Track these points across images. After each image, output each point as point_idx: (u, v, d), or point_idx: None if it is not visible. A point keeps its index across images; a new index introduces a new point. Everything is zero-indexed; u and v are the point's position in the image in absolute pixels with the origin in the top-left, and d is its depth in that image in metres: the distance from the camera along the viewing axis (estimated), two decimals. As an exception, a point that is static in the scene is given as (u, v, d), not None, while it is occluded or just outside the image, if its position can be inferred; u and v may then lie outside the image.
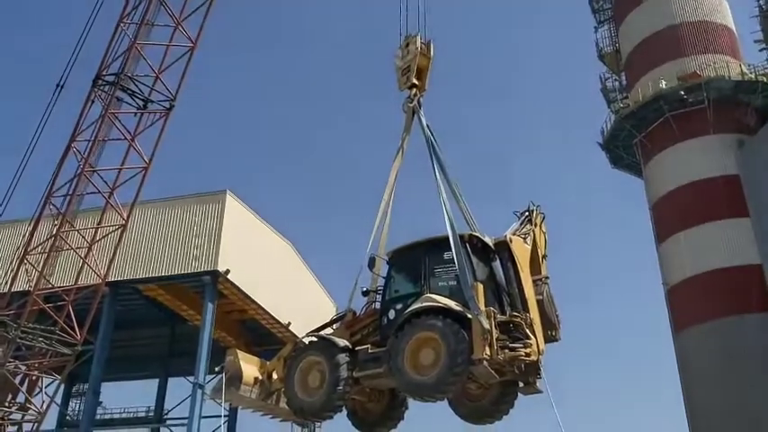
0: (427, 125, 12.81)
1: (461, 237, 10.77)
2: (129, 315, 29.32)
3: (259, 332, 30.77)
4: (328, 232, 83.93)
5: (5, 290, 20.70)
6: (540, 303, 10.95)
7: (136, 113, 19.97)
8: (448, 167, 12.39)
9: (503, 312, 10.46)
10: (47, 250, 20.23)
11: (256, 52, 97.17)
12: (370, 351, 10.82)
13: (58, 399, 31.18)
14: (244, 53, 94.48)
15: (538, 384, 10.95)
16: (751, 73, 34.02)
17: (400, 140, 13.08)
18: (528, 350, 10.07)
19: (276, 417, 12.69)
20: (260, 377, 11.86)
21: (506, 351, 9.91)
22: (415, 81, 13.10)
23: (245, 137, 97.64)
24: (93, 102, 19.89)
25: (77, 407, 35.21)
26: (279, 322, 29.58)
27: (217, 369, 13.75)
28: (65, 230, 20.23)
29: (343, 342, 11.04)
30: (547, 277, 11.56)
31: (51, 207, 20.21)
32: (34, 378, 21.54)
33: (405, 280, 11.25)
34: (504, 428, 11.81)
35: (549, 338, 11.05)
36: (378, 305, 11.61)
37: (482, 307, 9.95)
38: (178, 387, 33.49)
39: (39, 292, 20.18)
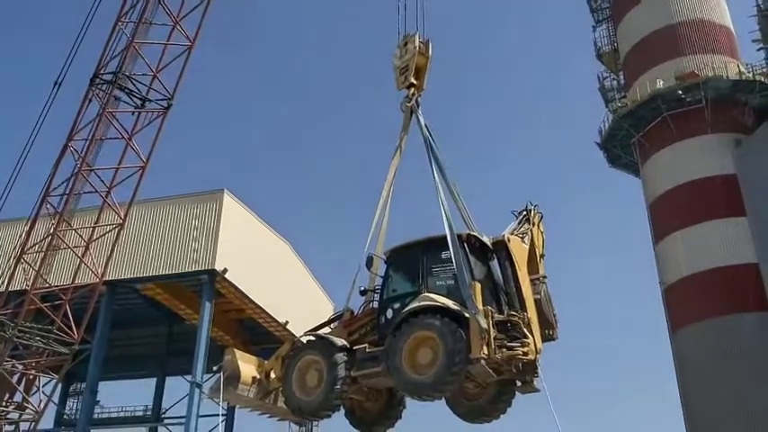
0: (425, 124, 12.82)
1: (459, 236, 10.79)
2: (126, 314, 29.30)
3: (257, 331, 30.76)
4: (326, 231, 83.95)
5: (2, 289, 20.65)
6: (537, 302, 10.97)
7: (133, 112, 19.97)
8: (446, 166, 12.45)
9: (500, 311, 10.47)
10: (44, 249, 20.20)
11: (254, 50, 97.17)
12: (367, 350, 10.82)
13: (56, 398, 31.08)
14: (241, 51, 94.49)
15: (535, 383, 10.98)
16: (749, 72, 34.05)
17: (398, 140, 13.08)
18: (525, 349, 10.08)
19: (274, 416, 12.70)
20: (258, 376, 11.89)
21: (504, 350, 9.93)
22: (413, 80, 13.11)
23: (243, 136, 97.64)
24: (90, 101, 19.88)
25: (75, 406, 35.23)
26: (276, 321, 29.56)
27: (215, 368, 13.71)
28: (62, 229, 20.20)
29: (340, 341, 11.05)
30: (544, 276, 11.56)
31: (48, 206, 20.19)
32: (31, 377, 21.53)
33: (402, 279, 11.25)
34: (502, 427, 11.83)
35: (547, 337, 11.08)
36: (376, 304, 11.62)
37: (480, 306, 9.97)
38: (176, 386, 33.55)
39: (36, 291, 20.16)
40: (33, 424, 21.49)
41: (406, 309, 10.44)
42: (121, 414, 35.33)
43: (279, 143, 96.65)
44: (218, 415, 23.06)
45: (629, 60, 38.18)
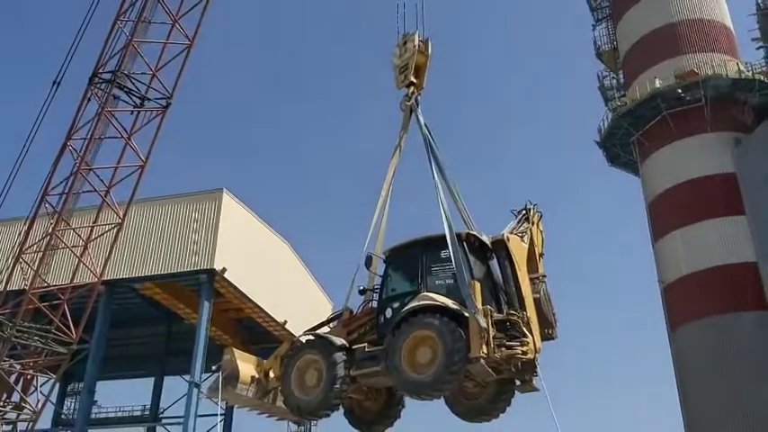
0: (425, 123, 12.79)
1: (459, 235, 10.76)
2: (125, 313, 29.26)
3: (256, 330, 30.73)
4: (325, 230, 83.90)
5: (1, 288, 20.61)
6: (537, 302, 10.94)
7: (132, 111, 19.93)
8: (446, 166, 12.42)
9: (500, 311, 10.45)
10: (42, 249, 20.16)
11: (253, 49, 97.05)
12: (367, 350, 10.80)
13: (54, 398, 31.04)
14: (240, 50, 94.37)
15: (535, 382, 10.96)
16: (748, 71, 34.07)
17: (398, 139, 13.04)
18: (525, 348, 10.06)
19: (273, 415, 12.68)
20: (257, 376, 11.86)
21: (503, 349, 9.90)
22: (412, 79, 13.07)
23: (242, 135, 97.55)
24: (89, 100, 19.85)
25: (73, 406, 35.15)
26: (275, 321, 29.54)
27: (214, 368, 13.68)
28: (60, 229, 20.17)
29: (340, 341, 11.03)
30: (544, 275, 11.54)
31: (47, 205, 20.15)
32: (29, 377, 21.49)
33: (402, 278, 11.22)
34: (501, 426, 11.81)
35: (546, 336, 11.06)
36: (375, 304, 11.60)
37: (479, 305, 9.94)
38: (174, 386, 33.48)
39: (34, 290, 20.13)
40: (31, 424, 21.45)
41: (406, 308, 10.41)
42: (119, 414, 35.22)
43: (278, 143, 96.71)
44: (216, 415, 23.05)
45: (629, 59, 38.18)
